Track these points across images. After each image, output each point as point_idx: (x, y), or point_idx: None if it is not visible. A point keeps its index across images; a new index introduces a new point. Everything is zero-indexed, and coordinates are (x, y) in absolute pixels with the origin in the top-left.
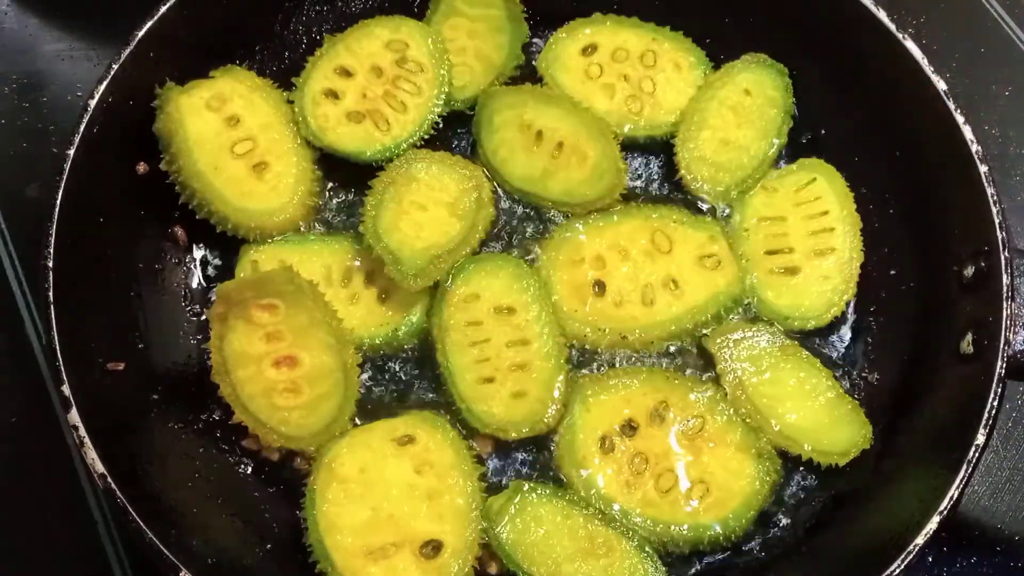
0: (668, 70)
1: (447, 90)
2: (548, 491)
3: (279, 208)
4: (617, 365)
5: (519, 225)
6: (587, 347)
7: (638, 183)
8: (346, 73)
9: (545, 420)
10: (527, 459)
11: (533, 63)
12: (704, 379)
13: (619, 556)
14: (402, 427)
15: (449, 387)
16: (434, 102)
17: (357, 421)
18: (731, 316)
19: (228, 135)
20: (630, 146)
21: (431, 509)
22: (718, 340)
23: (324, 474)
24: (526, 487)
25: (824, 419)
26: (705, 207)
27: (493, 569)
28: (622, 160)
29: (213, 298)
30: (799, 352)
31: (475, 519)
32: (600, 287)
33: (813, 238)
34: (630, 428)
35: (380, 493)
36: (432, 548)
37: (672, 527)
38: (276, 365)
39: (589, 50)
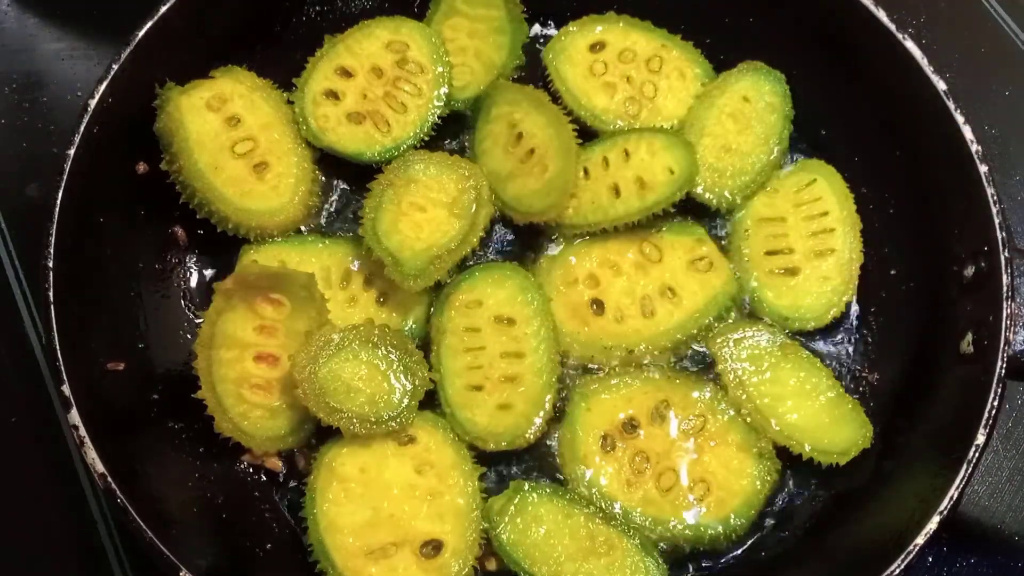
0: (672, 77)
1: (447, 91)
2: (548, 490)
3: (279, 208)
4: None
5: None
6: (596, 366)
7: None
8: (346, 74)
9: (526, 436)
10: (528, 459)
11: (539, 59)
12: (705, 379)
13: (620, 554)
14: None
15: (438, 390)
16: (434, 103)
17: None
18: (731, 315)
19: (228, 135)
20: None
21: (431, 509)
22: (719, 340)
23: (324, 473)
24: (526, 487)
25: (825, 419)
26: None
27: (492, 566)
28: (576, 186)
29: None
30: (799, 352)
31: (475, 519)
32: (598, 306)
33: (813, 239)
34: (631, 427)
35: (380, 493)
36: (432, 548)
37: (673, 526)
38: (257, 359)
39: (597, 47)
